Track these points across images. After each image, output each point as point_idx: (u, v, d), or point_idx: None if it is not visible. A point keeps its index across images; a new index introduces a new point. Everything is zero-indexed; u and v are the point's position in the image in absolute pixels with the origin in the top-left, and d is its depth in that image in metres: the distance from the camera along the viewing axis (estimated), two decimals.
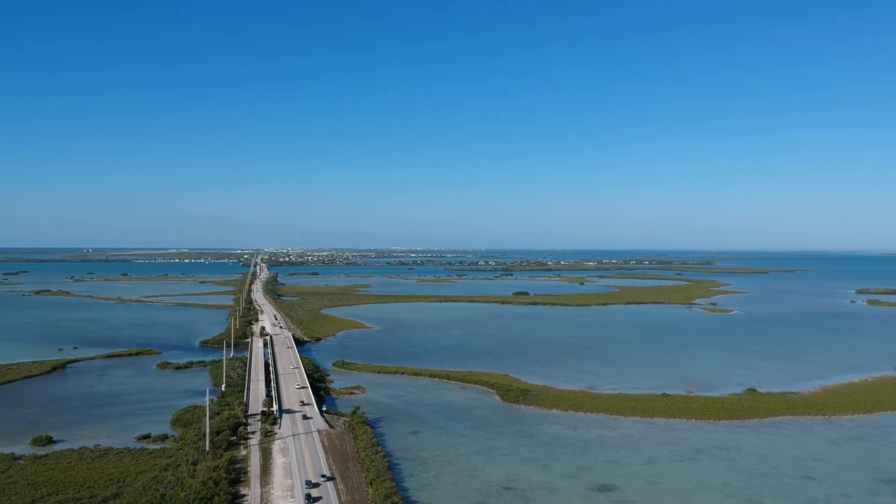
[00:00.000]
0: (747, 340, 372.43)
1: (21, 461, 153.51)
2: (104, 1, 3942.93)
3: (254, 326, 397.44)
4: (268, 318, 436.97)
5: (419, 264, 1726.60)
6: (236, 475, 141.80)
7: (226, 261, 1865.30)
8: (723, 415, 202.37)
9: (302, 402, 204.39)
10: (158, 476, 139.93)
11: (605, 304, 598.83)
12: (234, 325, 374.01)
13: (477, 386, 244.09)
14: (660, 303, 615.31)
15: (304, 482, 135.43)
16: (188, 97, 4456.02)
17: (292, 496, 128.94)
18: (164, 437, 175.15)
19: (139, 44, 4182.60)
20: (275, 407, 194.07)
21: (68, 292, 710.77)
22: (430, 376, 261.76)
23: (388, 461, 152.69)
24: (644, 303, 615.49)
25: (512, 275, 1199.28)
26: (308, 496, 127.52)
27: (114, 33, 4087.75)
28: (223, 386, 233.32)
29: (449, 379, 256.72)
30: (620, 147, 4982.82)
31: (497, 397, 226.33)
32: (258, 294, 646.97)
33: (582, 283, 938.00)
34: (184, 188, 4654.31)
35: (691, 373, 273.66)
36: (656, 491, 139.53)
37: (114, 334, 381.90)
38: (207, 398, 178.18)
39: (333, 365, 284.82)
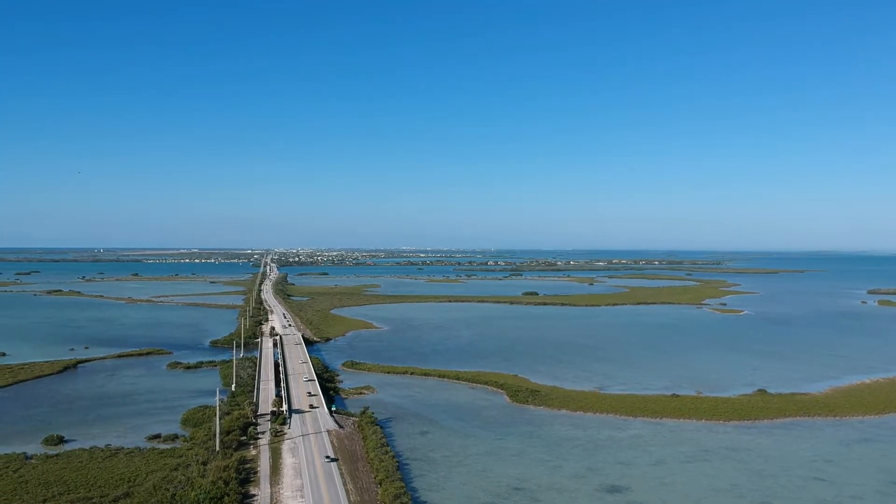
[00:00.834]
0: (757, 341, 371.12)
1: (33, 460, 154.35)
2: (115, 3, 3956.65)
3: (264, 326, 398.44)
4: (277, 318, 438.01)
5: (428, 264, 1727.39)
6: (246, 475, 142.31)
7: (236, 261, 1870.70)
8: (733, 415, 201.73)
9: (311, 402, 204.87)
10: (169, 476, 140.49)
11: (614, 305, 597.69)
12: (244, 325, 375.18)
13: (486, 386, 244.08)
14: (670, 303, 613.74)
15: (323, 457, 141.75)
16: (197, 98, 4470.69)
17: (302, 496, 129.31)
18: (174, 437, 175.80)
19: (149, 45, 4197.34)
20: (284, 407, 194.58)
21: (80, 292, 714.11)
22: (440, 377, 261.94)
23: (398, 461, 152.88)
24: (654, 303, 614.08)
25: (521, 275, 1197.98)
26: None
27: (124, 34, 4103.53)
28: (233, 386, 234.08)
29: (458, 379, 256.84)
30: (630, 147, 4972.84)
31: (506, 398, 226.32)
32: (268, 294, 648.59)
33: (591, 284, 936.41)
34: (194, 189, 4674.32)
35: (701, 373, 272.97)
36: (666, 492, 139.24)
37: (124, 334, 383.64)
38: (217, 398, 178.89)
39: (343, 365, 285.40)
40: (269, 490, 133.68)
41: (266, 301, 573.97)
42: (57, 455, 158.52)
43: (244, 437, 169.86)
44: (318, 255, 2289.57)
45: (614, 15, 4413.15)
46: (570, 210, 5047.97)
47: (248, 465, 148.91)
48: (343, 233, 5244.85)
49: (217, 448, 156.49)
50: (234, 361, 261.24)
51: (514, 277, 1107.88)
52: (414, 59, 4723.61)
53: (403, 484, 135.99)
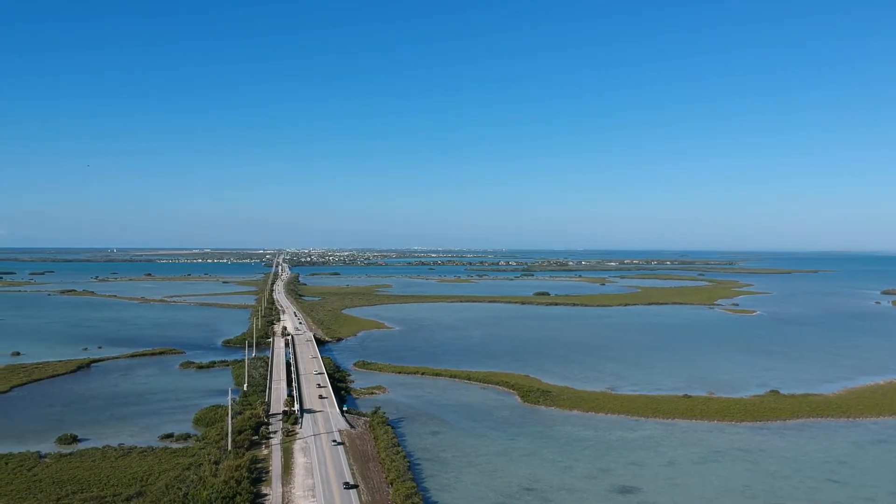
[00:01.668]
0: (770, 342, 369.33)
1: (46, 459, 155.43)
2: (129, 4, 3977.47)
3: (275, 326, 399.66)
4: (289, 318, 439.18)
5: (440, 264, 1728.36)
6: (258, 474, 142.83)
7: (248, 261, 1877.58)
8: (745, 416, 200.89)
9: (323, 402, 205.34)
10: (181, 475, 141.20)
11: (626, 305, 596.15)
12: (256, 324, 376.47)
13: (497, 387, 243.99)
14: (682, 303, 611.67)
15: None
16: (211, 98, 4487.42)
17: (313, 496, 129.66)
18: (186, 437, 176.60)
19: (161, 46, 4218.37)
20: (296, 407, 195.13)
21: (93, 292, 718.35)
22: (451, 377, 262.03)
23: (409, 461, 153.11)
24: (666, 303, 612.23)
25: (533, 275, 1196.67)
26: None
27: (135, 35, 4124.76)
28: (245, 385, 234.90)
29: (469, 379, 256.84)
30: (642, 147, 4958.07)
31: (517, 398, 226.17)
32: (280, 294, 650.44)
33: (603, 284, 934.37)
34: (207, 189, 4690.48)
35: (713, 374, 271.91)
36: (678, 493, 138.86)
37: (137, 334, 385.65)
38: (230, 398, 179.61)
39: (354, 365, 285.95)
40: (280, 490, 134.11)
41: (278, 301, 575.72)
42: (70, 454, 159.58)
43: (256, 437, 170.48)
44: (330, 256, 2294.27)
45: (621, 15, 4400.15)
46: (582, 210, 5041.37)
47: (259, 465, 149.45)
48: (355, 233, 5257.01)
49: (229, 448, 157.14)
50: (247, 361, 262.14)
51: (525, 278, 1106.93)
52: (425, 60, 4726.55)
53: (415, 484, 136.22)
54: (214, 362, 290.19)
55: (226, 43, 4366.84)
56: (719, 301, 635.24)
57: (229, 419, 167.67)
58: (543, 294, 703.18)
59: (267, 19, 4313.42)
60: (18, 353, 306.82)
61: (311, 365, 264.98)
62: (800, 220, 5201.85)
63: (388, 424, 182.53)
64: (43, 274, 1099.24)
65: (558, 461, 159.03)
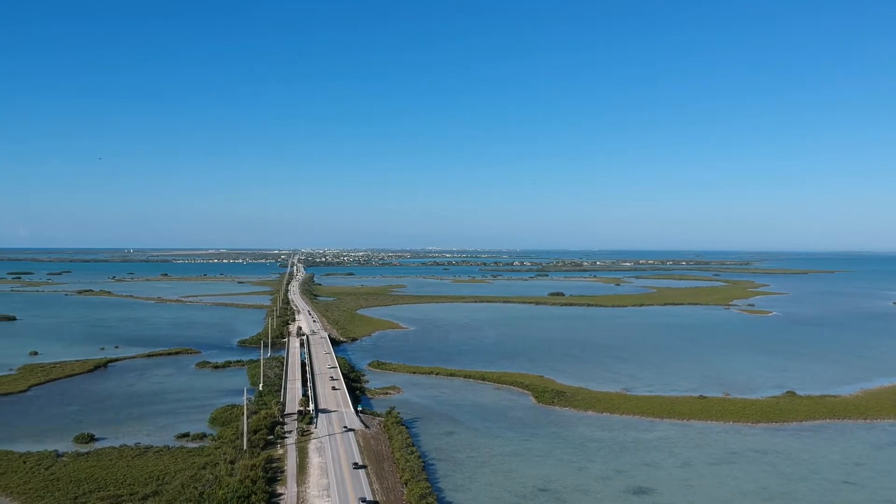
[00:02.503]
0: (786, 342, 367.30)
1: (64, 458, 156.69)
2: (144, 5, 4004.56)
3: (291, 326, 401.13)
4: (304, 318, 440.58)
5: (454, 265, 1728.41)
6: (273, 474, 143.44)
7: (263, 261, 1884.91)
8: (761, 418, 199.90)
9: (338, 402, 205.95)
10: (197, 474, 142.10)
11: (641, 305, 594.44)
12: (272, 324, 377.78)
13: (512, 387, 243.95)
14: (697, 304, 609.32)
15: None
16: (227, 99, 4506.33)
17: (328, 495, 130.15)
18: (202, 436, 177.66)
19: (175, 46, 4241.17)
20: (311, 406, 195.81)
21: (110, 292, 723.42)
22: (465, 377, 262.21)
23: (423, 461, 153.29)
24: (681, 304, 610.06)
25: (547, 275, 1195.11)
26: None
27: (149, 35, 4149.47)
28: (260, 385, 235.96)
29: (484, 380, 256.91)
30: (657, 147, 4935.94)
31: (532, 398, 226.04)
32: (295, 294, 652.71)
33: (618, 284, 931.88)
34: (223, 189, 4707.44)
35: (729, 375, 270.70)
36: (693, 494, 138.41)
37: (154, 334, 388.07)
38: (245, 397, 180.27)
39: (369, 365, 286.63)
40: (295, 489, 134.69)
41: (293, 301, 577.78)
42: (87, 453, 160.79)
43: (271, 437, 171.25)
44: (345, 256, 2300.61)
45: (631, 16, 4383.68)
46: (596, 211, 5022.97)
47: (274, 465, 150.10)
48: (369, 233, 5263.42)
49: (244, 447, 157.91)
50: (262, 361, 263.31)
51: (540, 278, 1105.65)
52: (439, 61, 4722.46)
53: (429, 484, 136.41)
54: (230, 362, 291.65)
55: (241, 44, 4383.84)
56: (735, 301, 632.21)
57: (245, 419, 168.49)
58: (558, 294, 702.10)
59: (281, 18, 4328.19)
60: (36, 353, 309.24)
61: (326, 365, 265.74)
62: (816, 220, 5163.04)
63: (403, 424, 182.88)
64: (60, 274, 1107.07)
65: (573, 462, 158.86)
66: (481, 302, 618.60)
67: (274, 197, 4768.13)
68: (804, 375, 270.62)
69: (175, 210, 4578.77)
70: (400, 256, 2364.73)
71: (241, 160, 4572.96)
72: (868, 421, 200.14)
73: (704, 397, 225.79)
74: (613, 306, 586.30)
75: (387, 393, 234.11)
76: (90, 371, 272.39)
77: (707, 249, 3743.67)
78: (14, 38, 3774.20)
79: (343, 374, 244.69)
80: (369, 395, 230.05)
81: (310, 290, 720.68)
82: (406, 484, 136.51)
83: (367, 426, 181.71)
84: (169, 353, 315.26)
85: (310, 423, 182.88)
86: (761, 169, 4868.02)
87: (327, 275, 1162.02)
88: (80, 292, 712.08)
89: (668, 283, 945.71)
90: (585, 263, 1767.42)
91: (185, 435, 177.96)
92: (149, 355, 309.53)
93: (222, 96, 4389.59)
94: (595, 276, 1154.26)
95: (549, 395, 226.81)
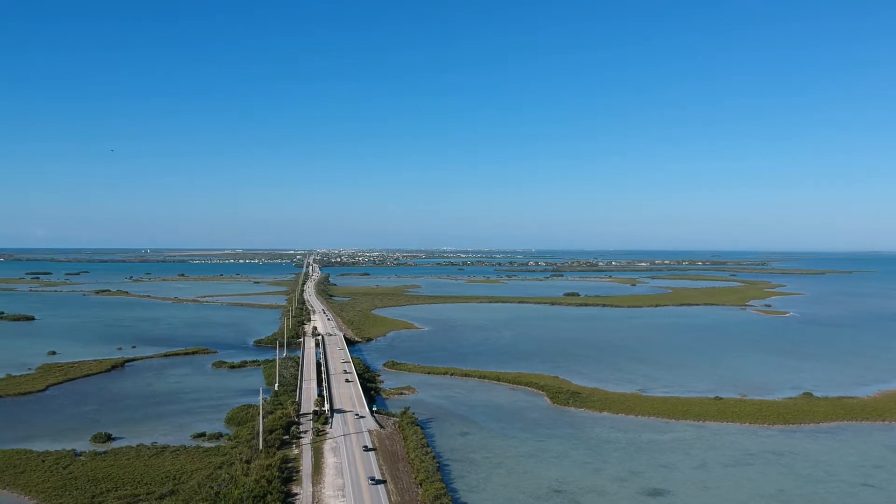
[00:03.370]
0: (803, 343, 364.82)
1: (82, 457, 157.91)
2: (160, 6, 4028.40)
3: (306, 326, 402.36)
4: (320, 319, 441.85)
5: (469, 265, 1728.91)
6: (289, 474, 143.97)
7: (279, 261, 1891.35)
8: (777, 419, 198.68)
9: (353, 402, 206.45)
10: (213, 474, 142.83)
11: (657, 306, 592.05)
12: (287, 325, 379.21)
13: (527, 388, 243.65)
14: (713, 304, 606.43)
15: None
16: (242, 99, 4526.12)
17: (343, 496, 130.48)
18: (218, 436, 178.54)
19: (191, 47, 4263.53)
20: (326, 406, 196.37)
21: (127, 292, 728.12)
22: (480, 377, 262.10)
23: (438, 462, 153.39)
24: (697, 304, 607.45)
25: (562, 276, 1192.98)
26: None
27: (166, 35, 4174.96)
28: (276, 385, 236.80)
29: (499, 380, 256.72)
30: (672, 147, 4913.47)
31: (547, 399, 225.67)
32: (310, 294, 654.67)
33: (634, 285, 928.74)
34: (239, 190, 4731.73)
35: (745, 376, 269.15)
36: (709, 496, 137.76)
37: (171, 333, 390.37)
38: (261, 397, 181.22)
39: (384, 365, 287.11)
40: (311, 489, 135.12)
41: (308, 301, 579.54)
42: (105, 452, 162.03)
43: (287, 437, 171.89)
44: (360, 256, 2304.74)
45: (645, 16, 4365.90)
46: (612, 210, 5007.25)
47: (290, 464, 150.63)
48: (384, 233, 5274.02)
49: (260, 447, 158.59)
50: (277, 361, 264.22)
51: (555, 278, 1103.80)
52: (449, 59, 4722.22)
53: (444, 485, 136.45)
54: (246, 362, 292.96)
55: (255, 43, 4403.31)
56: (751, 302, 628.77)
57: (260, 419, 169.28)
58: (573, 295, 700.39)
59: (288, 19, 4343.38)
60: (54, 353, 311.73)
61: (341, 365, 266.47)
62: (834, 219, 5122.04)
63: (418, 425, 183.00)
64: (78, 274, 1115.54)
65: (588, 463, 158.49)
66: (496, 302, 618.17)
67: (290, 197, 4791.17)
68: (821, 376, 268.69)
69: (192, 211, 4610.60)
70: (415, 257, 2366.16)
71: (258, 161, 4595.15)
72: (886, 422, 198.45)
73: (720, 398, 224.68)
74: (629, 307, 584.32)
75: (401, 393, 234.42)
76: (107, 371, 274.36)
77: (723, 249, 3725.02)
78: (30, 38, 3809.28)
79: (358, 374, 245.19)
80: (384, 396, 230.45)
81: (325, 291, 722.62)
82: (421, 484, 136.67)
83: (381, 426, 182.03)
84: (185, 353, 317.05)
85: (325, 423, 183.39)
86: (778, 168, 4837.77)
87: (342, 275, 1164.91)
88: (97, 292, 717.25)
89: (683, 284, 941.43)
90: (601, 264, 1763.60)
91: (202, 434, 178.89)
92: (165, 355, 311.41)
93: (238, 97, 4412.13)
94: (610, 277, 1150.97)
95: (565, 395, 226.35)
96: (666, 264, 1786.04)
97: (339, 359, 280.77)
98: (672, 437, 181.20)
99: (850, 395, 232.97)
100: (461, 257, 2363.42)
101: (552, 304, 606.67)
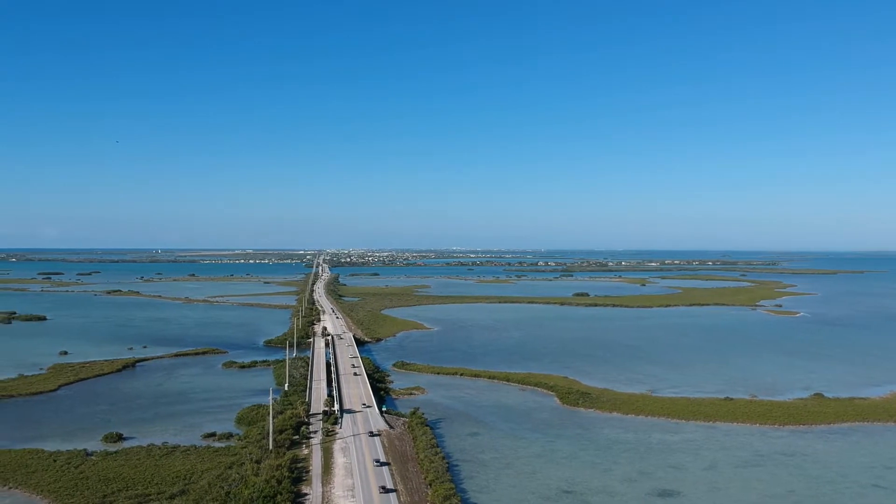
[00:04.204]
0: (814, 344, 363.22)
1: (93, 457, 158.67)
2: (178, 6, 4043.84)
3: (316, 327, 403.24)
4: (329, 319, 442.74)
5: (478, 265, 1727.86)
6: (298, 474, 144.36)
7: (289, 261, 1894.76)
8: (788, 420, 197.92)
9: (363, 402, 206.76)
10: (223, 474, 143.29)
11: (667, 306, 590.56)
12: (297, 325, 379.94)
13: (536, 388, 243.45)
14: (723, 304, 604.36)
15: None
16: (252, 100, 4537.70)
17: (353, 496, 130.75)
18: (229, 436, 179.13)
19: (198, 47, 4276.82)
20: (336, 407, 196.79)
21: (138, 292, 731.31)
22: (490, 378, 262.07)
23: (447, 462, 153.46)
24: (707, 304, 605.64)
25: (572, 276, 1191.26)
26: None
27: (177, 35, 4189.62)
28: (286, 385, 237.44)
29: (508, 381, 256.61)
30: (683, 146, 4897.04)
31: (556, 400, 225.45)
32: (320, 294, 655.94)
33: (644, 285, 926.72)
34: (250, 190, 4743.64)
35: (755, 376, 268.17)
36: (719, 497, 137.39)
37: (181, 333, 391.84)
38: (271, 397, 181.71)
39: (393, 365, 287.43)
40: (320, 489, 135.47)
41: (318, 301, 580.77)
42: (116, 452, 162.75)
43: (297, 437, 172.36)
44: (370, 256, 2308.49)
45: (654, 15, 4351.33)
46: (622, 210, 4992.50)
47: (300, 465, 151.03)
48: (394, 234, 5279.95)
49: (270, 447, 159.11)
50: (287, 361, 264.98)
51: (564, 278, 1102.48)
52: (458, 59, 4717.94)
53: (453, 485, 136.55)
54: (256, 362, 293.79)
55: (263, 43, 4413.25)
56: (762, 302, 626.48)
57: (270, 419, 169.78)
58: (583, 295, 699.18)
59: (298, 19, 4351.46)
60: (66, 353, 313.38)
61: (351, 366, 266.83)
62: (845, 219, 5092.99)
63: (427, 425, 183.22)
64: (90, 274, 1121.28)
65: (598, 464, 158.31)
66: (505, 302, 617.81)
67: (300, 198, 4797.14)
68: (832, 377, 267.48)
69: (202, 211, 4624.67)
70: (424, 257, 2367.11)
71: (268, 161, 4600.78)
72: None
73: (731, 399, 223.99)
74: (639, 307, 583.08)
75: (411, 393, 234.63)
76: (118, 371, 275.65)
77: (734, 249, 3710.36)
78: (35, 39, 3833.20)
79: (368, 375, 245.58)
80: (394, 396, 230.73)
81: (335, 291, 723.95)
82: (430, 485, 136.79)
83: (391, 427, 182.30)
84: (196, 353, 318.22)
85: (335, 423, 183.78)
86: (790, 168, 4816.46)
87: (352, 275, 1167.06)
88: (108, 292, 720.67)
89: (694, 284, 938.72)
90: (610, 264, 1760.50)
91: (212, 434, 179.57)
92: (176, 355, 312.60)
93: (248, 97, 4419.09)
94: (620, 277, 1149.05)
95: (574, 396, 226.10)
96: (676, 264, 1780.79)
97: (349, 359, 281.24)
98: (682, 438, 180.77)
99: (862, 395, 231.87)
100: (470, 257, 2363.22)
101: (562, 304, 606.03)
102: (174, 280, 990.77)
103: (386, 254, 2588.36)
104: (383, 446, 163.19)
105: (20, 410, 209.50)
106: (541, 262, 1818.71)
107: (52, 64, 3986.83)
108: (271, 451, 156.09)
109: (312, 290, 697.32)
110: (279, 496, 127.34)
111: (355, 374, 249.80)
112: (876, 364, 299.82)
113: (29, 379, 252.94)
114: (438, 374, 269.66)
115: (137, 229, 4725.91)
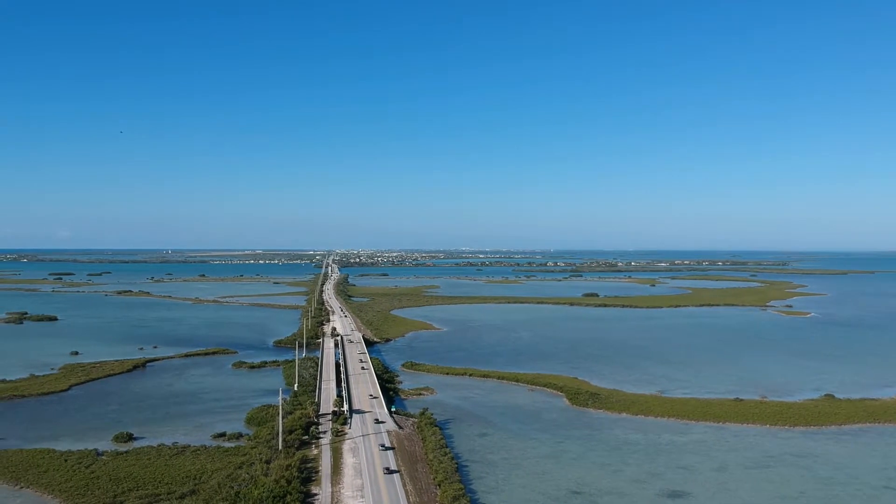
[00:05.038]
0: (825, 344, 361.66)
1: (104, 457, 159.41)
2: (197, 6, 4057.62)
3: (325, 327, 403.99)
4: (339, 319, 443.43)
5: (487, 265, 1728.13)
6: (308, 474, 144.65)
7: (298, 262, 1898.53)
8: (799, 421, 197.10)
9: (372, 402, 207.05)
10: (233, 474, 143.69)
11: (676, 307, 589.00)
12: (307, 325, 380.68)
13: (545, 388, 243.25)
14: (733, 305, 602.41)
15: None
16: (261, 101, 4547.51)
17: (362, 496, 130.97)
18: (238, 436, 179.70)
19: (207, 48, 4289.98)
20: (345, 407, 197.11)
21: (149, 293, 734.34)
22: (499, 378, 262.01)
23: (457, 463, 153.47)
24: (717, 305, 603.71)
25: (581, 276, 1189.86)
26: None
27: (187, 35, 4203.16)
28: (295, 385, 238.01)
29: (517, 381, 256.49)
30: (692, 147, 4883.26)
31: (566, 400, 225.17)
32: (329, 295, 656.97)
33: (653, 285, 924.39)
34: (259, 191, 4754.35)
35: (765, 377, 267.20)
36: (729, 499, 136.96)
37: (191, 334, 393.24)
38: (280, 397, 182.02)
39: (402, 366, 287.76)
40: (329, 489, 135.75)
41: (327, 302, 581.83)
42: (126, 452, 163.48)
43: (306, 437, 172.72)
44: (379, 256, 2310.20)
45: (665, 14, 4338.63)
46: (631, 210, 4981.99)
47: (309, 465, 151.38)
48: (403, 234, 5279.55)
49: (280, 447, 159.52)
50: (297, 361, 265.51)
51: (573, 278, 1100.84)
52: (465, 59, 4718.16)
53: (462, 486, 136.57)
54: (266, 362, 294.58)
55: (270, 44, 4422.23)
56: (772, 302, 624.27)
57: (280, 419, 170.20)
58: (592, 295, 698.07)
59: (306, 19, 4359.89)
60: (77, 353, 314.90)
61: (360, 366, 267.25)
62: (856, 218, 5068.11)
63: (436, 426, 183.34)
64: (100, 275, 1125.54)
65: (607, 465, 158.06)
66: (514, 303, 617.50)
67: (308, 198, 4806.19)
68: (843, 378, 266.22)
69: (213, 212, 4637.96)
70: (433, 257, 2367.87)
71: (277, 162, 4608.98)
72: None
73: (741, 400, 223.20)
74: (648, 307, 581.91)
75: (420, 394, 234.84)
76: (129, 371, 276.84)
77: (744, 249, 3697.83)
78: (43, 39, 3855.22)
79: (377, 375, 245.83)
80: (403, 396, 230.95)
81: (344, 291, 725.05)
82: (439, 485, 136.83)
83: (400, 427, 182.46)
84: (206, 353, 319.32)
85: (344, 423, 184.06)
86: (799, 167, 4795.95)
87: (361, 275, 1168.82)
88: (119, 293, 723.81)
89: (704, 284, 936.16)
90: (620, 264, 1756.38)
91: (222, 434, 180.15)
92: (186, 355, 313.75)
93: (258, 98, 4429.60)
94: (630, 277, 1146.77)
95: (583, 396, 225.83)
96: (686, 264, 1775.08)
97: (358, 359, 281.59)
98: (692, 439, 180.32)
99: (873, 396, 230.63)
100: (479, 258, 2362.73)
101: (571, 304, 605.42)
102: (184, 280, 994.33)
103: (395, 254, 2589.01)
104: (392, 447, 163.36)
105: (32, 410, 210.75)
106: (550, 263, 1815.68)
107: (65, 65, 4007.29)
108: (281, 452, 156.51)
109: (322, 291, 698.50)
110: (289, 496, 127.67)
111: (364, 374, 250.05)
112: (887, 365, 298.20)
113: (40, 379, 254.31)
114: (447, 374, 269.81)
115: (148, 230, 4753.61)
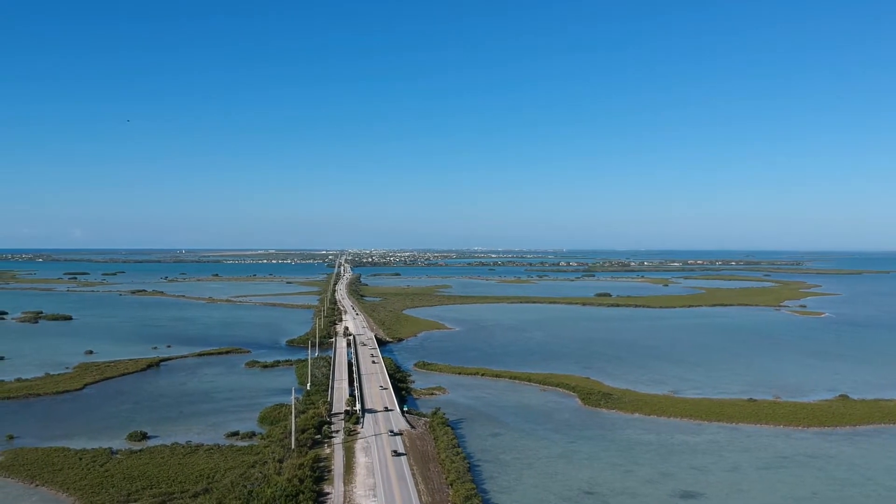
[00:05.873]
0: (839, 344, 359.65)
1: (118, 455, 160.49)
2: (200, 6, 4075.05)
3: (338, 326, 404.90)
4: (351, 319, 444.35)
5: (500, 265, 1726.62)
6: (320, 473, 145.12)
7: (311, 261, 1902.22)
8: (812, 421, 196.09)
9: (384, 402, 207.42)
10: (246, 473, 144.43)
11: (689, 307, 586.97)
12: (319, 325, 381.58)
13: (558, 388, 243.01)
14: (747, 305, 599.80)
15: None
16: (272, 100, 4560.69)
17: (375, 495, 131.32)
18: (251, 435, 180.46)
19: (217, 47, 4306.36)
20: (357, 406, 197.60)
21: (162, 292, 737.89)
22: (511, 378, 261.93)
23: (469, 462, 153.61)
24: (730, 305, 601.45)
25: (594, 276, 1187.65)
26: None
27: (193, 35, 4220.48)
28: (308, 385, 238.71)
29: (529, 381, 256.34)
30: (703, 147, 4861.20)
31: (578, 400, 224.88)
32: (342, 294, 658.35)
33: (666, 285, 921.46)
34: (273, 190, 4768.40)
35: (779, 377, 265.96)
36: (742, 499, 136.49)
37: (205, 333, 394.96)
38: (293, 397, 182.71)
39: (414, 365, 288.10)
40: (342, 488, 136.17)
41: (340, 301, 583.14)
42: (140, 451, 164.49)
43: (319, 436, 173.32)
44: (391, 256, 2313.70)
45: (675, 13, 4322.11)
46: (644, 210, 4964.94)
47: (322, 464, 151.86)
48: (415, 234, 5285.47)
49: (293, 446, 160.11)
50: (309, 361, 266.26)
51: (586, 278, 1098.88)
52: (475, 59, 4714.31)
53: (474, 485, 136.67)
54: (278, 361, 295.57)
55: (276, 45, 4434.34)
56: (786, 302, 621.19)
57: (293, 418, 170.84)
58: (605, 295, 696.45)
59: (313, 18, 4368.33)
60: (91, 352, 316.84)
61: (373, 365, 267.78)
62: (870, 218, 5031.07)
63: (448, 425, 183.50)
64: (115, 274, 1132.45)
65: (619, 465, 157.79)
66: (527, 303, 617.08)
67: (321, 198, 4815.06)
68: (857, 378, 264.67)
69: (226, 212, 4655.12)
70: (446, 257, 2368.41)
71: (290, 162, 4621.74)
72: None
73: (754, 400, 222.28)
74: (661, 307, 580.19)
75: (432, 393, 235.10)
76: (143, 370, 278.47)
77: (757, 249, 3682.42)
78: (50, 39, 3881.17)
79: (389, 375, 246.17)
80: (415, 396, 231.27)
81: (356, 291, 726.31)
82: (451, 485, 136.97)
83: (412, 426, 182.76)
84: (219, 353, 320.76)
85: (356, 422, 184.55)
86: (812, 167, 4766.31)
87: (374, 275, 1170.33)
88: (133, 292, 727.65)
89: (717, 284, 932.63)
90: (632, 264, 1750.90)
91: (235, 433, 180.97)
92: (199, 354, 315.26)
93: (269, 98, 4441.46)
94: (642, 277, 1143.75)
95: (596, 396, 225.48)
96: (699, 264, 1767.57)
97: (371, 359, 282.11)
98: (704, 439, 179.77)
99: (888, 397, 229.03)
100: (492, 258, 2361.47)
101: (583, 304, 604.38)
102: (198, 280, 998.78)
103: (407, 254, 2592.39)
104: (404, 446, 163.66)
105: (47, 409, 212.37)
106: (562, 263, 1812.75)
107: (77, 66, 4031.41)
108: (294, 451, 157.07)
109: (334, 290, 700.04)
110: (301, 495, 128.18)
111: (377, 373, 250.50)
112: None
113: (55, 378, 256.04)
114: (460, 374, 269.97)
115: (162, 230, 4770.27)
